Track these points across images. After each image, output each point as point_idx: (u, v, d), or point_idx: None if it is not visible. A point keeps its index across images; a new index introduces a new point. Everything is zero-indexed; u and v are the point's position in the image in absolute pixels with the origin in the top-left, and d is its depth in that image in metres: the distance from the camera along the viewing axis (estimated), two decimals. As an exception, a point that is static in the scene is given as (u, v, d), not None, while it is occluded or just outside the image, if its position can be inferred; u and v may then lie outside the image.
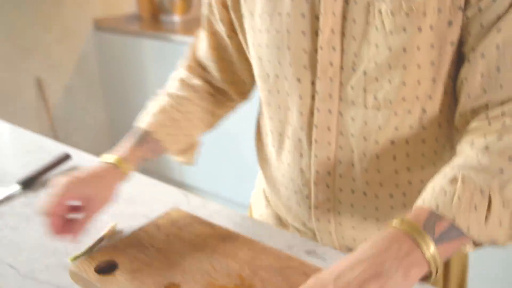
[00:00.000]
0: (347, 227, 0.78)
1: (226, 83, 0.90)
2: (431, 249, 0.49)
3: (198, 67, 0.91)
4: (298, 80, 0.70)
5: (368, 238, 0.53)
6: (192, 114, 0.86)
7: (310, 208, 0.79)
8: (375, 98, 0.65)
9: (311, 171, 0.75)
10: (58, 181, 0.71)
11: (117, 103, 2.82)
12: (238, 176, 2.30)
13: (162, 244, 0.76)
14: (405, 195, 0.73)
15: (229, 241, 0.76)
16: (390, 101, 0.65)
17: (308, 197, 0.78)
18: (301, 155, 0.75)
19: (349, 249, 0.82)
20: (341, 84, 0.67)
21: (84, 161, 1.11)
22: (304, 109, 0.72)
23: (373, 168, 0.71)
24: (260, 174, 0.97)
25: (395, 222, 0.52)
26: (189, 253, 0.73)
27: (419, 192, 0.73)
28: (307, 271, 0.68)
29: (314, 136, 0.72)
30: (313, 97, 0.70)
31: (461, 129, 0.64)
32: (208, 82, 0.91)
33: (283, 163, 0.79)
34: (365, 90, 0.66)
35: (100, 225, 0.85)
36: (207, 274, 0.69)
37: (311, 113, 0.71)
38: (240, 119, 2.09)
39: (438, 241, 0.50)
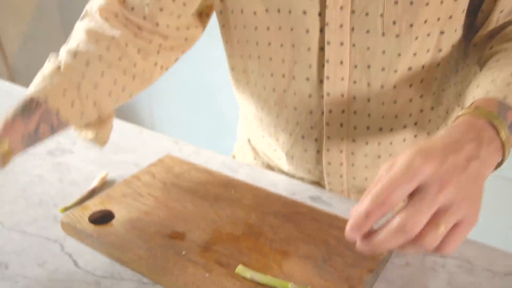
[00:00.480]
0: (360, 167, 0.75)
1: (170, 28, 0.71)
2: (505, 135, 0.47)
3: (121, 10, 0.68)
4: (304, 12, 0.65)
5: (446, 128, 0.49)
6: (104, 75, 0.65)
7: (319, 152, 0.76)
8: (394, 23, 0.61)
9: (322, 111, 0.71)
10: None
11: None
12: (214, 127, 2.25)
13: (159, 192, 0.71)
14: (416, 124, 0.71)
15: (231, 188, 0.72)
16: (411, 25, 0.61)
17: (317, 140, 0.75)
18: (310, 96, 0.71)
19: (358, 190, 0.79)
20: (352, 12, 0.62)
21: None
22: (312, 44, 0.66)
23: (389, 100, 0.67)
24: (243, 124, 0.92)
25: (467, 110, 0.49)
26: (190, 201, 0.69)
27: (429, 120, 0.71)
28: (317, 217, 0.66)
29: (325, 73, 0.67)
30: (321, 30, 0.65)
31: (483, 46, 0.63)
32: (135, 27, 0.69)
33: (287, 107, 0.74)
34: (382, 16, 0.61)
35: (89, 175, 0.79)
36: (212, 222, 0.65)
37: (321, 48, 0.66)
38: (208, 64, 2.01)
39: (510, 128, 0.48)
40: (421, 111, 0.70)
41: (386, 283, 0.59)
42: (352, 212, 0.44)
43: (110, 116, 0.69)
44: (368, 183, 0.77)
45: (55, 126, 0.61)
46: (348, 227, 0.45)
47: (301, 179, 0.83)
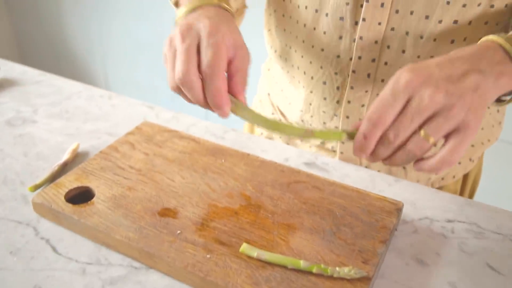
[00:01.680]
0: None
1: None
2: None
3: None
4: None
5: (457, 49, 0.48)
6: None
7: (338, 102, 0.70)
8: None
9: (350, 57, 0.65)
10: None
11: (24, 12, 2.46)
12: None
13: (142, 164, 0.64)
14: None
15: (220, 156, 0.66)
16: None
17: (339, 88, 0.68)
18: (340, 37, 0.64)
19: None
20: None
21: None
22: None
23: (426, 54, 0.61)
24: (265, 76, 0.85)
25: (491, 36, 0.48)
26: (177, 172, 0.62)
27: None
28: (318, 185, 0.61)
29: (362, 14, 0.60)
30: None
31: None
32: None
33: (314, 47, 0.68)
34: None
35: (58, 147, 0.71)
36: (205, 195, 0.59)
37: None
38: (165, 23, 1.89)
39: None
40: None
41: (396, 252, 0.55)
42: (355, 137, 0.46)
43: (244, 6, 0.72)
44: None
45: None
46: (354, 150, 0.47)
47: (308, 142, 0.78)
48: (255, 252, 0.50)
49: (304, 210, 0.57)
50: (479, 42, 0.49)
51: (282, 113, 0.83)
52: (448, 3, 0.57)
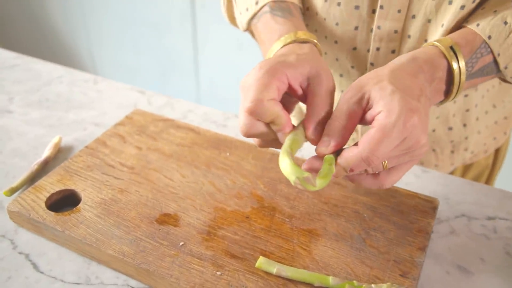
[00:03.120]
0: None
1: None
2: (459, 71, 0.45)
3: None
4: None
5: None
6: None
7: None
8: None
9: (368, 48, 0.57)
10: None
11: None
12: (163, 69, 2.04)
13: (134, 160, 0.55)
14: None
15: (224, 148, 0.57)
16: None
17: None
18: (356, 28, 0.56)
19: None
20: None
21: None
22: None
23: None
24: None
25: (440, 40, 0.46)
26: (176, 170, 0.54)
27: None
28: (340, 180, 0.53)
29: (379, 1, 0.52)
30: None
31: None
32: None
33: (327, 38, 0.59)
34: None
35: (37, 142, 0.62)
36: (210, 196, 0.51)
37: None
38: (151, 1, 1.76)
39: (472, 75, 0.46)
40: None
41: (434, 259, 0.48)
42: (344, 154, 0.40)
43: None
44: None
45: None
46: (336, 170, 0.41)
47: None
48: (274, 268, 0.42)
49: (326, 212, 0.49)
50: (427, 46, 0.46)
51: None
52: None
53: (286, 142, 0.41)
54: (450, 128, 0.64)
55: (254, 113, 0.40)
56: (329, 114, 0.42)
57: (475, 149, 0.69)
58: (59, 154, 0.60)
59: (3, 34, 2.38)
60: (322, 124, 0.42)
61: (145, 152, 0.56)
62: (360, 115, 0.41)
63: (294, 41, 0.47)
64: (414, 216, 0.49)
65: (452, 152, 0.67)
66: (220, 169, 0.54)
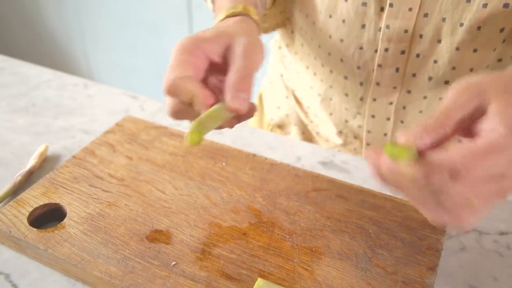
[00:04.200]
0: (411, 125, 0.59)
1: None
2: None
3: None
4: None
5: None
6: None
7: (362, 99, 0.59)
8: None
9: (376, 48, 0.54)
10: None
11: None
12: (160, 72, 2.00)
13: (124, 171, 0.52)
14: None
15: (220, 158, 0.54)
16: None
17: (363, 84, 0.58)
18: (363, 26, 0.53)
19: None
20: None
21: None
22: None
23: (468, 45, 0.50)
24: (277, 55, 0.74)
25: None
26: (168, 181, 0.51)
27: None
28: (343, 193, 0.50)
29: None
30: None
31: None
32: None
33: (332, 37, 0.56)
34: None
35: (22, 151, 0.59)
36: (205, 211, 0.47)
37: None
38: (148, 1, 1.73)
39: None
40: (499, 60, 0.53)
41: (445, 278, 0.45)
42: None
43: None
44: None
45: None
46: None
47: (327, 139, 0.67)
48: (273, 291, 0.39)
49: (329, 227, 0.46)
50: None
51: (297, 99, 0.71)
52: None
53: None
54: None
55: (170, 92, 0.38)
56: (246, 73, 0.39)
57: None
58: (45, 163, 0.56)
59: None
60: (240, 87, 0.38)
61: (136, 162, 0.53)
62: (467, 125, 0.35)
63: (232, 15, 0.45)
64: (422, 232, 0.46)
65: None
66: (216, 180, 0.51)
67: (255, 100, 0.82)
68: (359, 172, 0.57)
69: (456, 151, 0.32)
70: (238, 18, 0.44)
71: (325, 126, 0.68)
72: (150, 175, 0.51)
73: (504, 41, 0.51)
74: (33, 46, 2.26)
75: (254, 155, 0.54)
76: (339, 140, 0.67)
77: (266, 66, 0.79)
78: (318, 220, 0.47)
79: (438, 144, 0.34)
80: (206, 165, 0.53)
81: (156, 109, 0.67)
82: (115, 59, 2.04)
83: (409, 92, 0.57)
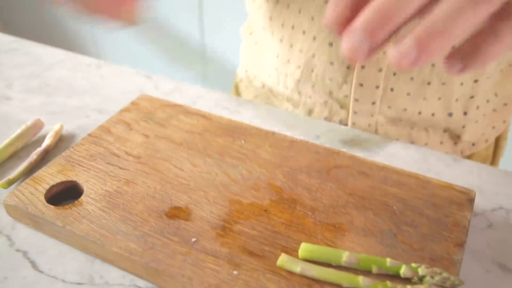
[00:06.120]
0: (401, 93, 0.57)
1: None
2: None
3: None
4: None
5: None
6: None
7: (349, 67, 0.57)
8: None
9: None
10: None
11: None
12: (173, 54, 1.99)
13: (141, 149, 0.51)
14: None
15: (239, 136, 0.53)
16: None
17: None
18: None
19: (391, 123, 0.62)
20: None
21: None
22: None
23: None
24: (249, 41, 0.72)
25: None
26: (186, 159, 0.50)
27: None
28: (366, 170, 0.48)
29: None
30: None
31: None
32: None
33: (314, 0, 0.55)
34: None
35: (38, 130, 0.58)
36: (225, 188, 0.46)
37: None
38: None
39: None
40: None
41: (472, 256, 0.43)
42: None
43: None
44: (407, 116, 0.60)
45: None
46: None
47: (311, 110, 0.65)
48: (298, 266, 0.38)
49: (352, 204, 0.45)
50: None
51: (270, 89, 0.69)
52: None
53: None
54: (450, 114, 0.59)
55: None
56: None
57: (471, 139, 0.64)
58: (60, 143, 0.55)
59: (2, 18, 2.33)
60: None
61: (152, 140, 0.52)
62: None
63: None
64: (448, 209, 0.44)
65: (445, 131, 0.62)
66: (235, 158, 0.50)
67: (231, 91, 0.80)
68: (380, 150, 0.56)
69: None
70: None
71: (307, 102, 0.66)
72: (168, 153, 0.50)
73: None
74: (39, 28, 2.24)
75: (274, 132, 0.53)
76: (323, 113, 0.64)
77: (239, 56, 0.77)
78: (340, 197, 0.45)
79: None
80: (224, 142, 0.52)
81: (171, 89, 0.66)
82: (124, 42, 2.03)
83: None
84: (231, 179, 0.47)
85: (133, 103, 0.58)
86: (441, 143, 0.63)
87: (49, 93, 0.64)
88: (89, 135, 0.53)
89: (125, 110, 0.57)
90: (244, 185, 0.47)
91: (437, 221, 0.43)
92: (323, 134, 0.58)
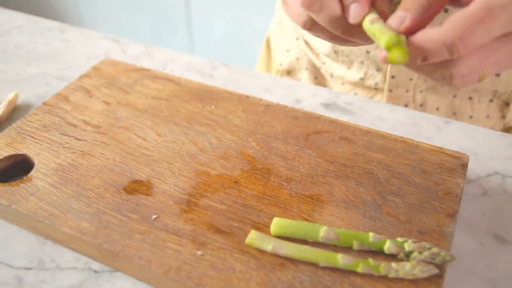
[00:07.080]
0: None
1: None
2: None
3: None
4: None
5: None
6: None
7: None
8: None
9: None
10: None
11: None
12: (160, 24, 1.91)
13: (101, 117, 0.46)
14: None
15: (209, 101, 0.48)
16: None
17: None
18: None
19: (434, 87, 0.57)
20: None
21: None
22: None
23: None
24: None
25: None
26: (150, 127, 0.45)
27: None
28: (348, 135, 0.44)
29: None
30: None
31: None
32: None
33: None
34: None
35: (-13, 98, 0.53)
36: (192, 158, 0.42)
37: None
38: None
39: None
40: None
41: (465, 226, 0.39)
42: (419, 34, 0.29)
43: None
44: (445, 89, 0.55)
45: None
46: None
47: (342, 79, 0.60)
48: (269, 244, 0.34)
49: (332, 173, 0.40)
50: None
51: (306, 42, 0.64)
52: None
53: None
54: (498, 75, 0.54)
55: None
56: None
57: None
58: (15, 113, 0.50)
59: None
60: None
61: (114, 108, 0.47)
62: None
63: None
64: (439, 176, 0.40)
65: (491, 101, 0.57)
66: (204, 125, 0.45)
67: (261, 45, 0.75)
68: (364, 114, 0.51)
69: (447, 23, 0.27)
70: None
71: (340, 65, 0.61)
72: (130, 121, 0.46)
73: None
74: None
75: (247, 96, 0.48)
76: (358, 75, 0.59)
77: (274, 7, 0.71)
78: (319, 165, 0.41)
79: (427, 21, 0.29)
80: (193, 109, 0.47)
81: (140, 52, 0.61)
82: (107, 13, 1.95)
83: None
84: (198, 148, 0.43)
85: (94, 68, 0.53)
86: (487, 116, 0.58)
87: (5, 60, 0.59)
88: (44, 103, 0.48)
89: (85, 75, 0.52)
90: (212, 155, 0.42)
91: (426, 189, 0.39)
92: (303, 97, 0.53)
